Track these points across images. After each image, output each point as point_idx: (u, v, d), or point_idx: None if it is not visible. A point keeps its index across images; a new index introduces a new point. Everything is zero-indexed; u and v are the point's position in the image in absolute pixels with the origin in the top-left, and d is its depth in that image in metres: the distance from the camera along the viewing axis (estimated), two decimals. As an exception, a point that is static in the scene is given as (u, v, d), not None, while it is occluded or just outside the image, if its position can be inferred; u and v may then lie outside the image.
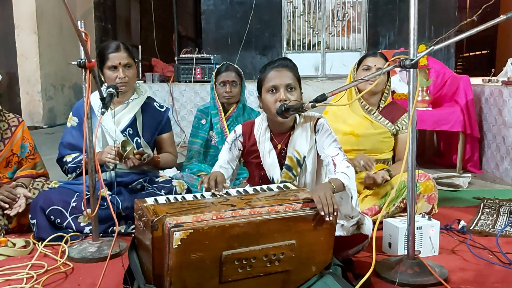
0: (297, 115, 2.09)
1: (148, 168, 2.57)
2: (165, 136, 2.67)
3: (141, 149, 2.46)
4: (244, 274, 1.55)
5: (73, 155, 2.50)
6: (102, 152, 2.35)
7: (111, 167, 2.40)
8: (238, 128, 2.22)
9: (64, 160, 2.52)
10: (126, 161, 2.35)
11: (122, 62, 2.42)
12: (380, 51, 2.82)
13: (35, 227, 2.32)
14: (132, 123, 2.53)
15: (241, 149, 2.20)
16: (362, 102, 2.69)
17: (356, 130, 2.65)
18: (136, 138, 2.53)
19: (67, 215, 2.35)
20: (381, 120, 2.66)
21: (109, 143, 2.44)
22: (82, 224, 2.37)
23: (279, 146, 2.13)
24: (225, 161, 2.17)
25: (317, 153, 2.12)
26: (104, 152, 2.33)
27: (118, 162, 2.32)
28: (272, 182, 2.11)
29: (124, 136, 2.47)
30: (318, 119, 2.11)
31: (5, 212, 2.38)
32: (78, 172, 2.49)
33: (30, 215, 2.35)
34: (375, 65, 2.60)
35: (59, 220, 2.34)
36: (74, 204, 2.36)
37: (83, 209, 2.31)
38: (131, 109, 2.52)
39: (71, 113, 2.57)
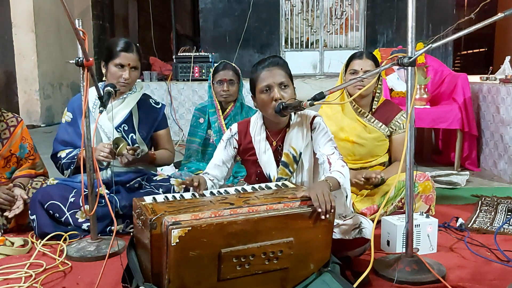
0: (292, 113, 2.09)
1: (143, 164, 2.56)
2: (162, 133, 2.67)
3: (136, 145, 2.45)
4: (242, 272, 1.55)
5: (67, 151, 2.49)
6: (95, 150, 2.33)
7: (105, 165, 2.39)
8: (234, 127, 2.21)
9: (58, 155, 2.51)
10: (120, 158, 2.34)
11: (131, 64, 2.42)
12: (367, 51, 2.78)
13: (35, 223, 2.31)
14: (128, 119, 2.52)
15: (237, 147, 2.19)
16: (354, 105, 2.65)
17: (351, 136, 2.62)
18: (131, 134, 2.52)
19: (65, 210, 2.34)
20: (374, 123, 2.62)
21: (103, 140, 2.43)
22: (80, 220, 2.36)
23: (274, 143, 2.13)
24: (220, 160, 2.17)
25: (314, 151, 2.12)
26: (97, 150, 2.30)
27: (111, 160, 2.31)
28: (269, 179, 2.11)
29: (119, 132, 2.46)
30: (315, 117, 2.10)
31: (4, 214, 2.38)
32: (72, 167, 2.46)
33: (29, 212, 2.34)
34: (361, 69, 2.56)
35: (57, 215, 2.34)
36: (72, 199, 2.36)
37: (81, 204, 2.31)
38: (127, 104, 2.51)
39: (66, 109, 2.57)
